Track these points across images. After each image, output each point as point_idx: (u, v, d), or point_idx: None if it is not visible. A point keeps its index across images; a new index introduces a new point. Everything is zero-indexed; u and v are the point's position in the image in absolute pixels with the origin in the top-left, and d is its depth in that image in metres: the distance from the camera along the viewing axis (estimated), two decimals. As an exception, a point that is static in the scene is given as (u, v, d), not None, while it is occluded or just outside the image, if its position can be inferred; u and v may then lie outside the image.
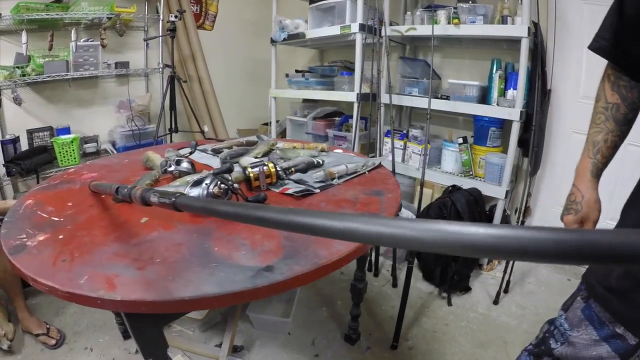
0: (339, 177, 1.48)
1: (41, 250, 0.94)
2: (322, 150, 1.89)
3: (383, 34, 2.80)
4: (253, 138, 1.97)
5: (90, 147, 3.04)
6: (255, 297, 0.80)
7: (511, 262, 2.46)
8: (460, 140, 2.87)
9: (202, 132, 3.19)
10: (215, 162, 1.67)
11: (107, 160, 1.83)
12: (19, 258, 0.91)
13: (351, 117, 3.25)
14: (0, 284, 1.97)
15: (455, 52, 3.22)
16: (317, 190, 1.34)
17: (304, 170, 1.46)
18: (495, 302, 2.38)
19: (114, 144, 3.18)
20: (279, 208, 0.45)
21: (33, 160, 2.67)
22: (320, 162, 1.63)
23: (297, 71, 3.74)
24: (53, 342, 1.97)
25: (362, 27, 2.77)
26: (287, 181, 1.41)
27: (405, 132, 3.15)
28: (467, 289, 2.50)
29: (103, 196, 1.28)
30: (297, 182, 1.42)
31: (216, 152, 1.80)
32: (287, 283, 0.83)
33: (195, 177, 1.29)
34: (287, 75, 3.69)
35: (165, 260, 0.86)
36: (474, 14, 2.61)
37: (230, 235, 0.99)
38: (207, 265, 0.84)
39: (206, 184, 1.07)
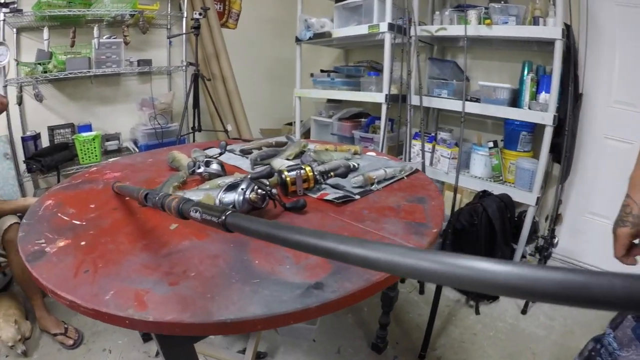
0: (378, 183, 1.36)
1: (61, 258, 0.84)
2: (355, 153, 1.78)
3: (412, 33, 2.73)
4: (282, 139, 1.86)
5: (111, 145, 2.98)
6: (305, 318, 0.69)
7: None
8: (491, 144, 2.74)
9: (226, 131, 3.11)
10: (245, 164, 1.57)
11: (131, 159, 1.74)
12: (37, 266, 0.81)
13: (378, 118, 3.15)
14: (18, 281, 1.91)
15: (484, 53, 3.08)
16: (357, 197, 1.23)
17: (344, 175, 1.34)
18: (524, 311, 2.28)
19: (135, 142, 3.11)
20: (362, 242, 0.35)
21: (54, 157, 2.62)
22: (356, 165, 1.51)
23: (322, 71, 3.63)
24: (71, 342, 1.90)
25: (391, 27, 2.68)
26: (324, 186, 1.30)
27: (433, 134, 3.01)
28: (495, 297, 2.38)
29: (127, 198, 1.18)
30: (334, 187, 1.31)
31: (245, 153, 1.70)
32: (339, 302, 0.72)
33: (227, 180, 1.19)
34: (312, 75, 3.60)
35: (200, 274, 0.75)
36: (506, 15, 2.50)
37: (269, 247, 0.87)
38: (249, 282, 0.73)
39: (242, 189, 0.96)
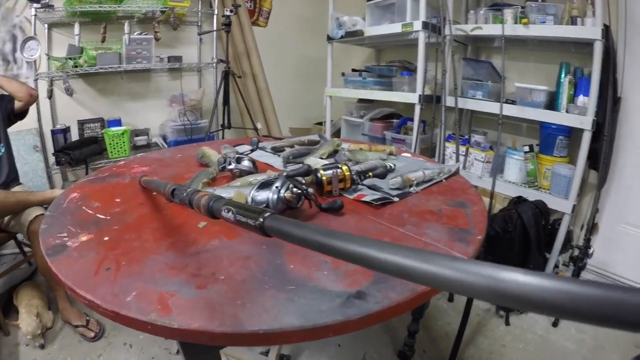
0: (417, 185, 1.28)
1: (83, 253, 0.79)
2: (391, 154, 1.69)
3: (446, 32, 2.65)
4: (315, 137, 1.79)
5: (140, 140, 2.97)
6: (345, 330, 0.61)
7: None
8: (527, 149, 2.63)
9: (256, 129, 3.06)
10: (277, 162, 1.50)
11: (159, 154, 1.70)
12: (57, 261, 0.76)
13: (410, 119, 3.09)
14: (42, 272, 1.89)
15: (519, 54, 2.95)
16: (396, 199, 1.14)
17: (383, 176, 1.26)
18: (555, 324, 2.18)
19: (164, 138, 3.10)
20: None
21: (83, 150, 2.62)
22: (392, 166, 1.43)
23: (353, 70, 3.57)
24: (92, 334, 1.89)
25: (425, 26, 2.61)
26: (360, 187, 1.22)
27: (466, 137, 2.90)
28: None
29: (154, 193, 1.12)
30: (370, 187, 1.23)
31: (276, 150, 1.64)
32: (383, 314, 0.64)
33: (259, 177, 1.12)
34: (343, 74, 3.53)
35: (230, 277, 0.68)
36: (544, 14, 2.40)
37: (305, 249, 0.80)
38: (283, 288, 0.66)
39: (277, 187, 0.89)
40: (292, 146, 1.68)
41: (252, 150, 1.43)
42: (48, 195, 1.86)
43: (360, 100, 3.76)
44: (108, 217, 0.97)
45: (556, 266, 2.48)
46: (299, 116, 4.22)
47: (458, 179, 1.48)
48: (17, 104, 2.00)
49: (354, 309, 0.62)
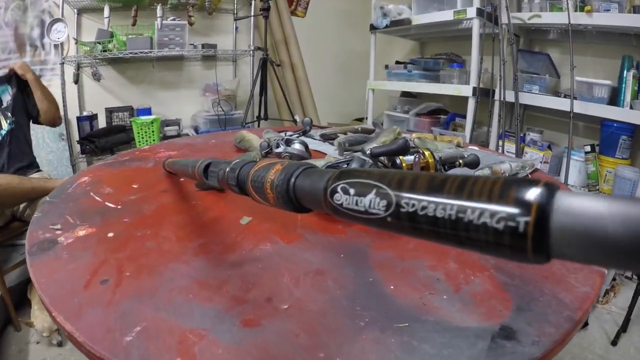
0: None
1: (75, 254, 0.54)
2: (459, 145, 1.43)
3: (502, 21, 2.44)
4: (368, 126, 1.54)
5: (171, 130, 2.76)
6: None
7: (632, 297, 2.03)
8: (588, 149, 2.42)
9: (294, 121, 2.82)
10: (329, 149, 1.25)
11: (190, 139, 1.47)
12: (38, 262, 0.53)
13: (458, 115, 2.95)
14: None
15: (575, 47, 2.71)
16: None
17: (474, 164, 0.99)
18: (614, 342, 2.00)
19: (196, 129, 2.88)
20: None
21: (109, 138, 2.43)
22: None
23: (397, 62, 3.32)
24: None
25: (480, 12, 2.41)
26: None
27: (521, 135, 2.66)
28: (584, 324, 2.01)
29: (182, 179, 0.88)
30: None
31: (326, 138, 1.38)
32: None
33: (319, 162, 0.86)
34: (386, 67, 3.30)
35: (299, 306, 0.42)
36: (608, 1, 2.20)
37: (403, 257, 0.53)
38: (390, 326, 0.39)
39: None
40: (344, 134, 1.42)
41: (303, 133, 1.16)
42: (48, 185, 1.69)
43: (404, 95, 3.54)
44: (119, 207, 0.73)
45: (614, 279, 2.31)
46: (336, 112, 3.99)
47: (540, 174, 1.30)
48: (40, 118, 1.92)
49: (507, 358, 0.35)
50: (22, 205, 1.71)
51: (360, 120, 3.76)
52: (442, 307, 0.43)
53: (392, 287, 0.46)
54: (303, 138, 1.15)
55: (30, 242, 0.59)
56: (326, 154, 1.19)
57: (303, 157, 1.02)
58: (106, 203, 0.75)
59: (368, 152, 0.75)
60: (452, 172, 1.04)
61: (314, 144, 1.31)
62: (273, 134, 1.30)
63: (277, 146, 1.03)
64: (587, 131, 2.71)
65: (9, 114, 1.81)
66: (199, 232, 0.62)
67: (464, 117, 2.86)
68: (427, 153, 0.89)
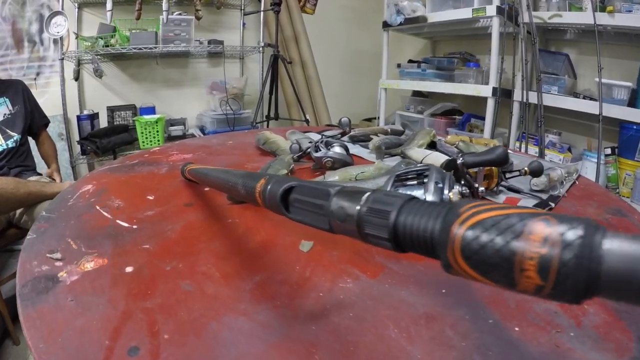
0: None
1: (83, 300, 0.39)
2: (496, 148, 1.28)
3: (522, 20, 2.41)
4: (396, 126, 1.41)
5: (176, 130, 2.61)
6: None
7: None
8: (608, 151, 2.40)
9: (307, 120, 2.67)
10: (362, 152, 1.11)
11: (204, 140, 1.31)
12: (31, 312, 0.37)
13: (475, 116, 2.89)
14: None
15: (591, 48, 2.66)
16: (552, 204, 0.77)
17: (538, 172, 0.85)
18: None
19: (202, 129, 2.74)
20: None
21: (111, 139, 2.28)
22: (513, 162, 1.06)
23: (410, 61, 3.22)
24: None
25: (500, 11, 2.33)
26: (500, 187, 0.83)
27: (538, 137, 2.58)
28: None
29: (207, 189, 0.73)
30: (508, 189, 0.85)
31: (356, 140, 1.24)
32: None
33: (369, 169, 0.72)
34: (398, 66, 3.20)
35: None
36: (630, 2, 2.16)
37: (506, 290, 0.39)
38: None
39: (439, 185, 0.48)
40: (375, 135, 1.28)
41: (342, 135, 1.02)
42: (65, 187, 1.54)
43: (415, 94, 3.46)
44: (134, 226, 0.58)
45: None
46: (344, 112, 3.82)
47: (583, 180, 1.18)
48: (40, 137, 1.86)
49: None
50: (18, 211, 1.59)
51: (370, 120, 3.66)
52: (575, 347, 0.36)
53: (517, 329, 0.37)
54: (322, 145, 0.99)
55: (21, 279, 0.44)
56: (365, 159, 1.05)
57: (347, 163, 0.87)
58: (117, 221, 0.60)
59: (460, 161, 0.60)
60: (515, 180, 0.91)
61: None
62: (299, 135, 1.17)
63: (317, 149, 0.88)
64: (604, 133, 2.57)
65: (9, 131, 1.69)
66: (250, 264, 0.47)
67: (479, 117, 2.84)
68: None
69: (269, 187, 0.33)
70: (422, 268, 0.47)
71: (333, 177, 0.77)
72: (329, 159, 0.87)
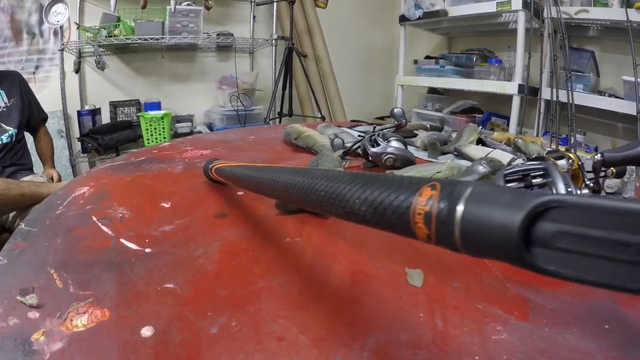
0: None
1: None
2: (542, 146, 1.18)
3: (548, 15, 2.37)
4: (433, 123, 1.25)
5: (183, 127, 2.46)
6: None
7: None
8: None
9: (323, 117, 2.51)
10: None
11: (220, 135, 1.14)
12: None
13: (495, 114, 2.84)
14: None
15: (615, 45, 2.60)
16: None
17: (622, 174, 0.70)
18: None
19: (210, 127, 2.58)
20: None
21: (114, 136, 2.14)
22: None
23: (428, 57, 3.11)
24: None
25: (526, 5, 2.25)
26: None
27: (563, 136, 2.55)
28: None
29: (240, 193, 0.55)
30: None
31: (388, 137, 1.07)
32: None
33: (433, 168, 0.57)
34: (415, 62, 3.10)
35: None
36: None
37: None
38: None
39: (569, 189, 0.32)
40: (416, 130, 1.12)
41: (397, 128, 0.85)
42: (45, 190, 1.42)
43: (431, 92, 3.37)
44: (148, 250, 0.40)
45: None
46: (357, 109, 3.72)
47: None
48: (38, 133, 1.74)
49: None
50: (11, 215, 1.46)
51: (383, 118, 3.52)
52: None
53: None
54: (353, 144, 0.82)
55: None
56: (418, 157, 0.88)
57: (409, 161, 0.70)
58: (122, 240, 0.42)
59: (598, 157, 0.44)
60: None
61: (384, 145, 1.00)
62: (335, 129, 1.00)
63: (373, 144, 0.71)
64: (625, 132, 2.61)
65: (4, 125, 1.56)
66: (348, 315, 0.29)
67: (499, 116, 2.79)
68: (573, 157, 0.59)
69: (469, 205, 0.16)
70: (566, 298, 0.32)
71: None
72: (390, 155, 0.70)
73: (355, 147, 0.80)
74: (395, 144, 0.72)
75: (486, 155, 0.81)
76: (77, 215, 0.50)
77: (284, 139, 0.97)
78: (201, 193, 0.57)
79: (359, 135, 0.84)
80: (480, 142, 1.06)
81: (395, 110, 0.99)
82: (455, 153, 0.94)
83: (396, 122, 0.91)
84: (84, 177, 0.68)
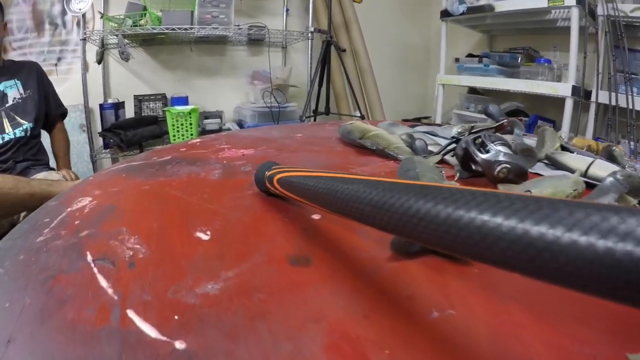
0: None
1: None
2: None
3: (604, 12, 2.23)
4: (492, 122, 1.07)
5: (211, 124, 2.32)
6: None
7: None
8: None
9: (362, 116, 2.34)
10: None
11: (260, 132, 0.95)
12: None
13: (541, 118, 2.71)
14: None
15: None
16: None
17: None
18: None
19: (240, 124, 2.45)
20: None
21: (138, 131, 2.00)
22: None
23: (470, 55, 2.99)
24: None
25: (580, 1, 2.13)
26: None
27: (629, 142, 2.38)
28: None
29: (317, 216, 0.35)
30: None
31: (495, 141, 0.89)
32: None
33: (565, 181, 0.42)
34: (457, 60, 2.98)
35: None
36: None
37: None
38: None
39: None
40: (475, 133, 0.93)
41: (497, 129, 0.65)
42: (54, 188, 1.31)
43: (471, 92, 3.25)
44: (178, 345, 0.20)
45: None
46: (392, 109, 3.58)
47: None
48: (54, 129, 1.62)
49: None
50: (22, 215, 1.33)
51: (419, 119, 3.39)
52: None
53: None
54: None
55: None
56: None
57: (523, 172, 0.51)
58: (130, 315, 0.23)
59: None
60: None
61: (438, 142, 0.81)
62: (404, 128, 0.81)
63: (480, 148, 0.51)
64: None
65: (18, 118, 1.46)
66: None
67: (544, 119, 2.67)
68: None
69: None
70: None
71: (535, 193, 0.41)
72: (504, 165, 0.50)
73: (447, 150, 0.60)
74: (503, 149, 0.52)
75: (589, 166, 0.64)
76: (65, 247, 0.31)
77: (343, 138, 0.78)
78: (256, 215, 0.38)
79: (453, 137, 0.64)
80: (563, 148, 0.88)
81: (491, 107, 0.79)
82: (547, 162, 0.75)
83: (496, 123, 0.71)
84: (90, 182, 0.49)
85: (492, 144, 0.52)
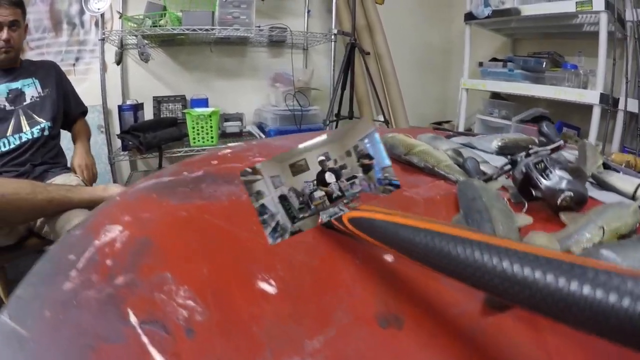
0: None
1: None
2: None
3: (634, 17, 2.20)
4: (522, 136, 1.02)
5: (231, 127, 2.31)
6: None
7: None
8: None
9: (386, 122, 2.29)
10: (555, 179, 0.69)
11: (291, 140, 0.90)
12: None
13: (566, 124, 2.70)
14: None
15: None
16: None
17: None
18: None
19: (261, 127, 2.44)
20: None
21: (157, 133, 1.97)
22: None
23: (494, 60, 2.96)
24: None
25: (609, 6, 2.10)
26: None
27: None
28: None
29: (392, 260, 0.29)
30: None
31: (508, 152, 0.83)
32: None
33: (624, 211, 0.44)
34: (480, 64, 2.94)
35: None
36: None
37: None
38: None
39: None
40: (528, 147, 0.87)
41: (552, 151, 0.60)
42: (98, 193, 1.29)
43: (494, 97, 3.21)
44: None
45: None
46: (412, 113, 3.54)
47: None
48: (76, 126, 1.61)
49: None
50: (39, 221, 1.34)
51: (440, 124, 3.37)
52: None
53: None
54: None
55: None
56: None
57: (584, 199, 0.47)
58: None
59: None
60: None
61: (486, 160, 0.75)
62: (448, 143, 0.77)
63: (542, 174, 0.46)
64: None
65: (35, 116, 1.44)
66: None
67: (568, 125, 2.67)
68: None
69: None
70: None
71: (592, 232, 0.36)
72: (568, 193, 0.46)
73: (500, 174, 0.56)
74: (565, 175, 0.47)
75: (637, 188, 0.62)
76: (100, 302, 0.25)
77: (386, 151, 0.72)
78: (323, 256, 0.32)
79: (510, 158, 0.59)
80: (605, 165, 0.82)
81: (546, 126, 0.73)
82: (593, 181, 0.71)
83: (553, 144, 0.65)
84: (116, 205, 0.44)
85: (554, 170, 0.47)
